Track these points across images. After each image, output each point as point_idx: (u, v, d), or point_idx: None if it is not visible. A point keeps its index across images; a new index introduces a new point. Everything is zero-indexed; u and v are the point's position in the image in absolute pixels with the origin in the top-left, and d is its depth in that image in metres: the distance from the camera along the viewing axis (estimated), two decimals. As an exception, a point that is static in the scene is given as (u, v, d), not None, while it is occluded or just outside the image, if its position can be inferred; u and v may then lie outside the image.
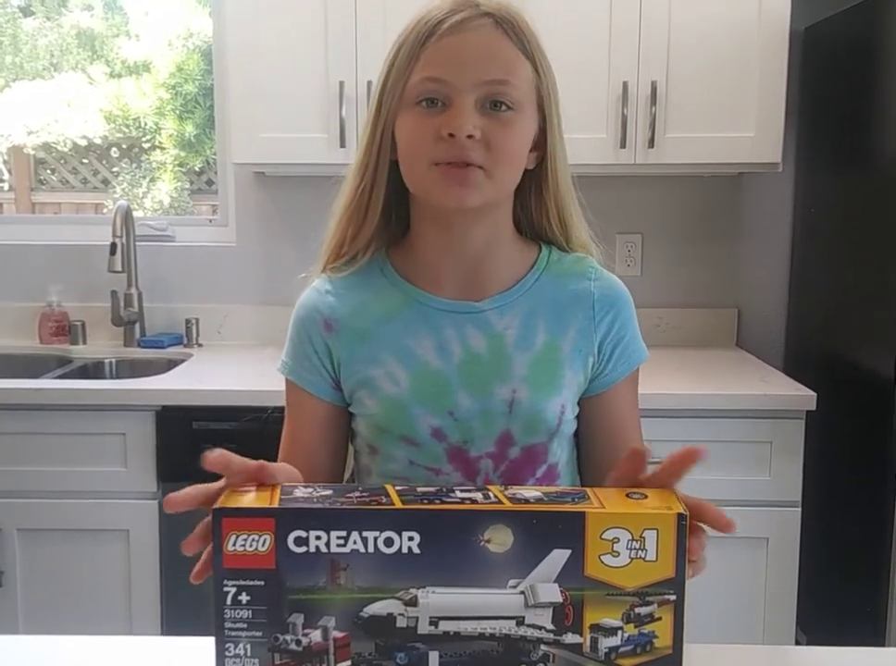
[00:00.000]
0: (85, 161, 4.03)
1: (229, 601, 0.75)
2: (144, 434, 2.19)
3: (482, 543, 0.75)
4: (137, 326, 2.77)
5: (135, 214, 2.81)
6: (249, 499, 0.78)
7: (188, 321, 2.78)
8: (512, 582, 0.75)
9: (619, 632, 0.76)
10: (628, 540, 0.75)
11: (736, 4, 2.36)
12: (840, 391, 2.37)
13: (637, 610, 0.75)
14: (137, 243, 2.76)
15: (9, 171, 3.85)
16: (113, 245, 2.60)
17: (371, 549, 0.74)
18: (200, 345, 2.78)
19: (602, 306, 1.10)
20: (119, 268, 2.62)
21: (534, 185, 1.09)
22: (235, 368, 2.52)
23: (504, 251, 1.10)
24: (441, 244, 1.08)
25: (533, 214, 1.12)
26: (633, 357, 1.13)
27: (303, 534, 0.74)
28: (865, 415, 2.29)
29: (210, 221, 2.96)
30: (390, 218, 1.10)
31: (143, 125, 3.80)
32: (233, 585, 0.74)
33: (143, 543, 2.21)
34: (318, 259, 1.14)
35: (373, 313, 1.09)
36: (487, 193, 1.01)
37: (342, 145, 2.38)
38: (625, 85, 2.37)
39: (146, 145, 3.86)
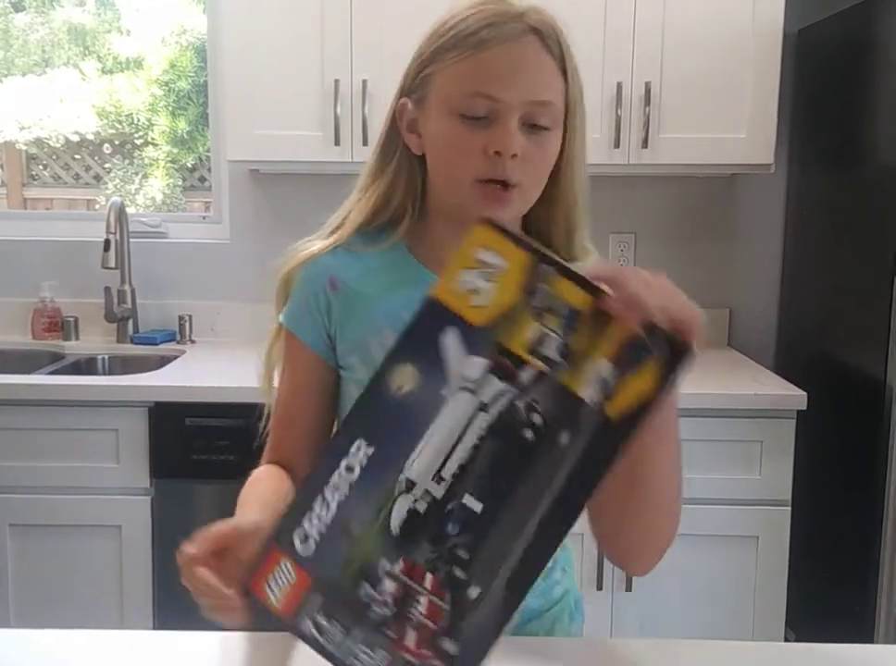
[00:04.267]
0: (77, 157, 4.01)
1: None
2: (137, 430, 2.19)
3: (395, 391, 0.75)
4: (130, 322, 2.77)
5: (128, 210, 2.81)
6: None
7: (181, 318, 2.78)
8: (443, 392, 0.74)
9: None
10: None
11: (730, 5, 2.37)
12: (831, 391, 2.38)
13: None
14: (131, 240, 2.76)
15: (1, 167, 3.83)
16: (107, 241, 2.60)
17: (346, 490, 0.75)
18: (193, 342, 2.78)
19: None
20: (113, 265, 2.62)
21: (545, 193, 1.07)
22: (228, 365, 2.51)
23: None
24: (449, 237, 1.05)
25: (542, 220, 1.10)
26: None
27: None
28: (856, 415, 2.30)
29: (204, 218, 2.96)
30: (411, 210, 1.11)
31: (135, 121, 3.79)
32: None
33: (135, 539, 2.21)
34: (333, 230, 1.13)
35: (379, 281, 1.10)
36: (517, 210, 1.04)
37: (337, 143, 2.38)
38: (619, 86, 2.37)
39: (139, 142, 3.85)
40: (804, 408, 2.17)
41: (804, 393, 2.17)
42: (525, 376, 0.72)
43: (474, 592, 0.73)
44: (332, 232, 1.13)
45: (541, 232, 1.12)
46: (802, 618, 2.46)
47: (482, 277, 0.74)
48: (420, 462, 0.74)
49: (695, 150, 2.42)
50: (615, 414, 0.70)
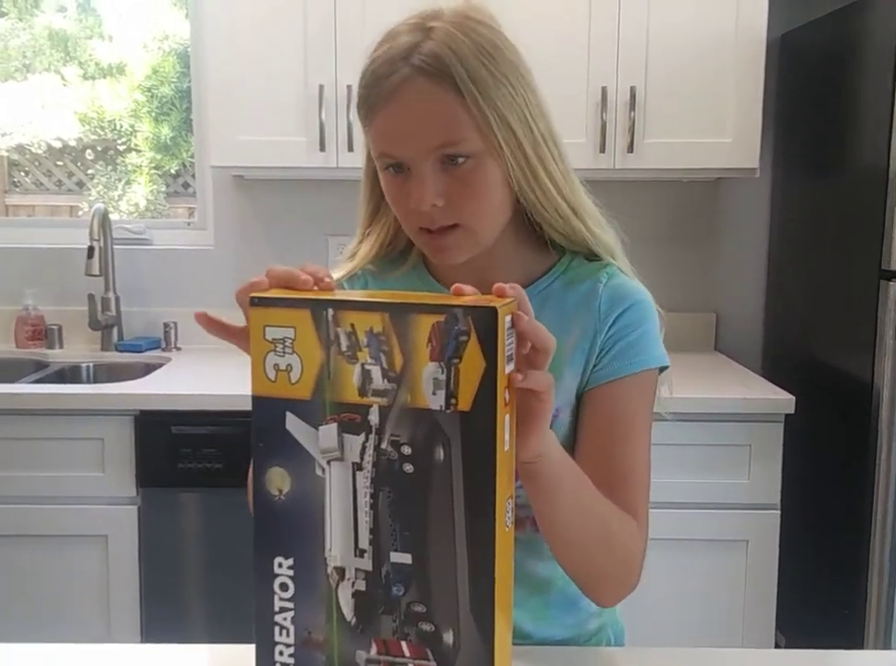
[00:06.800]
0: (60, 163, 3.98)
1: None
2: (122, 439, 2.18)
3: (279, 497, 0.77)
4: (115, 329, 2.75)
5: (111, 217, 2.79)
6: None
7: (166, 325, 2.76)
8: (318, 473, 0.75)
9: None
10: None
11: (713, 11, 2.37)
12: (819, 395, 2.38)
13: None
14: (114, 246, 2.74)
15: (-18, 173, 3.80)
16: (90, 248, 2.58)
17: (292, 607, 0.77)
18: (178, 349, 2.76)
19: (608, 307, 1.06)
20: (97, 272, 2.60)
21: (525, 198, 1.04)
22: (214, 372, 2.50)
23: (516, 257, 1.08)
24: None
25: (542, 224, 1.07)
26: (639, 358, 1.05)
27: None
28: (844, 418, 2.30)
29: (188, 224, 2.95)
30: None
31: (118, 127, 3.77)
32: None
33: (122, 549, 2.18)
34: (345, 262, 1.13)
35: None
36: (472, 248, 1.01)
37: (322, 149, 2.37)
38: (604, 90, 2.37)
39: (122, 148, 3.82)
40: (792, 412, 2.17)
41: (792, 397, 2.18)
42: (372, 417, 0.73)
43: (448, 637, 0.74)
44: (344, 264, 1.13)
45: (548, 233, 1.09)
46: (791, 622, 2.47)
47: (284, 353, 0.75)
48: (336, 547, 0.76)
49: (681, 154, 2.42)
50: (467, 406, 0.70)
